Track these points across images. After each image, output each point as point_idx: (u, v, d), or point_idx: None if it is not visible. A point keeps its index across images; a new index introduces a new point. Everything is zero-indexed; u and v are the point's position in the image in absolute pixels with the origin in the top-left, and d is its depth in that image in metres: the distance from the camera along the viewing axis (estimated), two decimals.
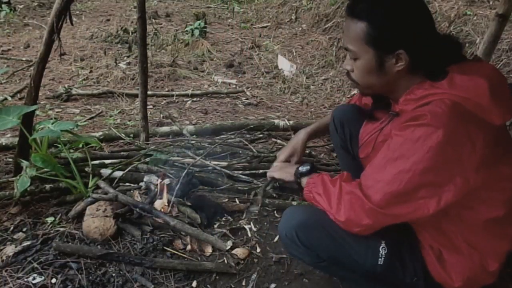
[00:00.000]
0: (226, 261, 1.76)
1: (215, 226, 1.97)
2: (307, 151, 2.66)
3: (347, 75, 1.29)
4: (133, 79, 4.13)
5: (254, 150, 2.54)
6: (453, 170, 1.08)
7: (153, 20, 5.90)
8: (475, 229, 1.20)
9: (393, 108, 1.27)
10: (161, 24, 5.96)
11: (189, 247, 1.83)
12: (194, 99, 3.83)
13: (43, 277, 1.62)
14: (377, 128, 1.34)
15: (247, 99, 3.89)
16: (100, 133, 2.85)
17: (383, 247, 1.25)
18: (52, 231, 1.88)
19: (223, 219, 2.03)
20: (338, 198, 1.20)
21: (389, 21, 1.13)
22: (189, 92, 3.89)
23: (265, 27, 6.03)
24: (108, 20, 6.01)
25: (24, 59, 4.51)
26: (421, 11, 1.16)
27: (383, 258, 1.24)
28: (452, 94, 1.10)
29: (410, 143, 1.09)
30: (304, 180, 1.36)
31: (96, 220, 1.84)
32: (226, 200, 2.09)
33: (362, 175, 1.20)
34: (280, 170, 1.51)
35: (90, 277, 1.63)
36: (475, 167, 1.08)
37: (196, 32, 5.26)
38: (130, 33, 5.29)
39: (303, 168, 1.39)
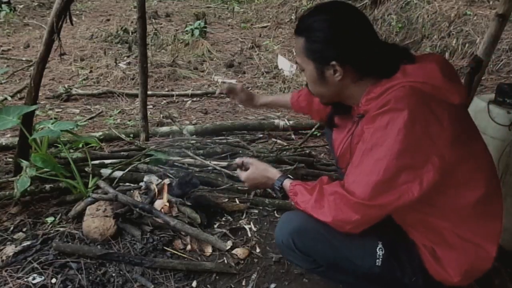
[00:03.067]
0: (226, 261, 1.77)
1: (215, 226, 1.97)
2: (307, 151, 2.67)
3: (306, 86, 1.38)
4: (133, 79, 4.13)
5: (254, 150, 2.54)
6: (428, 150, 1.11)
7: (153, 20, 5.90)
8: (465, 219, 1.21)
9: (358, 111, 1.30)
10: (161, 24, 5.96)
11: (189, 247, 1.83)
12: (194, 99, 3.83)
13: (43, 277, 1.62)
14: (348, 134, 1.36)
15: None
16: (100, 133, 2.86)
17: (380, 248, 1.26)
18: (52, 231, 1.88)
19: (223, 219, 2.03)
20: (318, 201, 1.22)
21: (321, 36, 1.21)
22: (189, 92, 3.89)
23: (265, 27, 6.03)
24: (108, 20, 6.02)
25: (24, 59, 4.51)
26: (358, 25, 1.22)
27: (380, 259, 1.25)
28: (408, 81, 1.15)
29: (380, 131, 1.13)
30: (286, 185, 1.37)
31: (96, 220, 1.84)
32: (226, 200, 2.09)
33: (345, 175, 1.23)
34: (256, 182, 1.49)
35: (90, 277, 1.63)
36: (448, 143, 1.11)
37: (196, 32, 5.26)
38: (130, 33, 5.29)
39: (277, 184, 1.40)
